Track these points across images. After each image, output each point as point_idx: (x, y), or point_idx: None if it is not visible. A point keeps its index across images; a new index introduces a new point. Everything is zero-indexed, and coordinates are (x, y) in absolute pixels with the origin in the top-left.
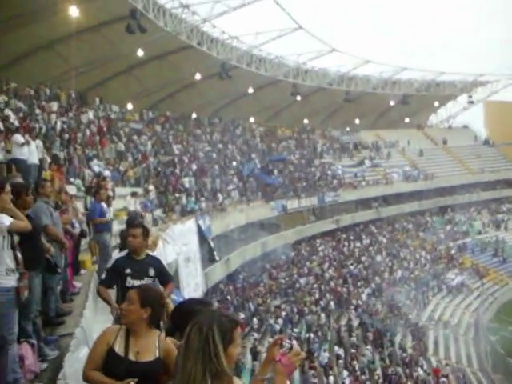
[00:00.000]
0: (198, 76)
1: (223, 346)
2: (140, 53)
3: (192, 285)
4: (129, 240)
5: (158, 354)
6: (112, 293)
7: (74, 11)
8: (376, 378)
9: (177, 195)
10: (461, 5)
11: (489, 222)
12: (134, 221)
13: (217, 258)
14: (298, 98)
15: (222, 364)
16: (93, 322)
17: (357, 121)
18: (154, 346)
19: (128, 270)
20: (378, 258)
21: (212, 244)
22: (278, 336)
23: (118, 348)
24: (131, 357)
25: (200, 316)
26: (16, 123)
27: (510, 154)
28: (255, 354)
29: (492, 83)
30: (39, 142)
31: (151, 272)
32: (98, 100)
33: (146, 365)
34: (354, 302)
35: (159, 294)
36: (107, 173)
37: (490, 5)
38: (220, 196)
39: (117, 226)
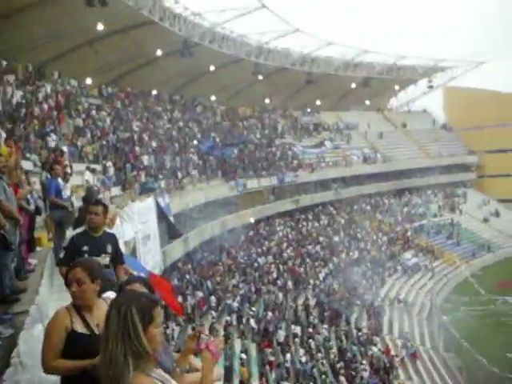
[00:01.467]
0: (159, 52)
1: (143, 326)
2: (100, 27)
3: (150, 263)
4: (91, 217)
5: None
6: None
7: None
8: (332, 356)
9: (135, 173)
10: None
11: (444, 204)
12: (92, 198)
13: (181, 232)
14: (260, 77)
15: (142, 344)
16: (48, 300)
17: (318, 102)
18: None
19: (85, 248)
20: (336, 238)
21: (173, 221)
22: (197, 329)
23: (80, 328)
24: (96, 331)
25: (118, 297)
26: None
27: (468, 139)
28: (213, 333)
29: (452, 69)
30: None
31: (109, 248)
32: (56, 74)
33: None
34: (311, 281)
35: (98, 262)
36: (64, 148)
37: None
38: (179, 174)
39: (75, 203)
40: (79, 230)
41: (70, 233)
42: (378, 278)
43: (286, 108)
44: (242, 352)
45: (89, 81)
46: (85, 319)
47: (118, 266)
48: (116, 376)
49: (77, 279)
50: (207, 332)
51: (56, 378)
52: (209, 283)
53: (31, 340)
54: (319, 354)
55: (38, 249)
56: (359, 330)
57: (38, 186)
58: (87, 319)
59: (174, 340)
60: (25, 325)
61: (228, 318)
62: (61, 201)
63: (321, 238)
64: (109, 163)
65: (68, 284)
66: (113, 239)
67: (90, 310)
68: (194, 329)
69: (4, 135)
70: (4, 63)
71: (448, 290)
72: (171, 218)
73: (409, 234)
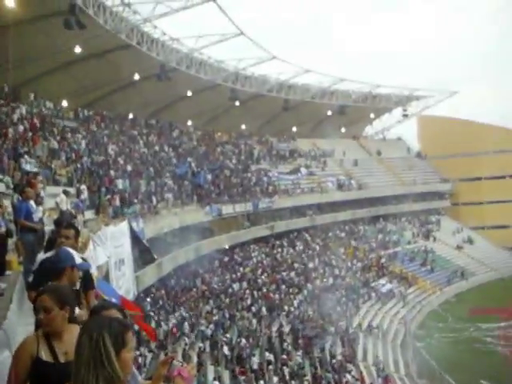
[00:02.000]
0: (136, 76)
1: (115, 351)
2: (78, 49)
3: (124, 287)
4: (61, 241)
5: None
6: None
7: (9, 2)
8: (306, 383)
9: (109, 196)
10: (397, 21)
11: (418, 232)
12: (63, 221)
13: (155, 257)
14: (237, 103)
15: (115, 369)
16: (16, 325)
17: (294, 128)
18: None
19: None
20: (311, 264)
21: (147, 245)
22: (169, 355)
23: (45, 355)
24: (61, 359)
25: (89, 322)
26: None
27: (441, 167)
28: (186, 359)
29: (426, 98)
30: None
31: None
32: (32, 95)
33: None
34: (285, 308)
35: (68, 287)
36: (38, 170)
37: (425, 22)
38: (154, 198)
39: (47, 226)
40: (49, 253)
41: (40, 256)
42: (353, 304)
43: (262, 134)
44: (215, 379)
45: (65, 103)
46: (52, 347)
47: (88, 291)
48: None
49: (44, 307)
50: (180, 358)
51: None
52: (182, 309)
53: None
54: (293, 382)
55: (7, 272)
56: (333, 356)
57: (10, 209)
58: (54, 347)
59: (146, 367)
60: None
61: (201, 345)
62: (31, 223)
63: (296, 265)
64: (83, 186)
65: (36, 311)
66: (84, 264)
67: (59, 337)
68: (166, 355)
69: None
70: None
71: (422, 317)
72: (145, 242)
73: (383, 260)
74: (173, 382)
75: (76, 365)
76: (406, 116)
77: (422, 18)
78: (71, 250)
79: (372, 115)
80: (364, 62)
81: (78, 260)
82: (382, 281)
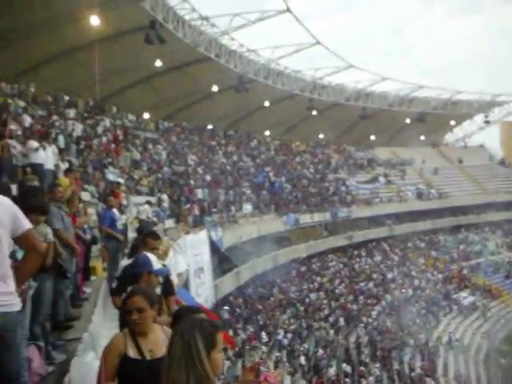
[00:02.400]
0: (214, 88)
1: (206, 352)
2: (158, 63)
3: (203, 296)
4: (153, 252)
5: None
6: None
7: (94, 20)
8: None
9: (189, 206)
10: (479, 26)
11: (502, 242)
12: (144, 229)
13: (235, 263)
14: (314, 112)
15: (205, 369)
16: (101, 328)
17: (372, 137)
18: (161, 339)
19: None
20: (390, 275)
21: (226, 254)
22: (255, 362)
23: (133, 353)
24: (147, 357)
25: (181, 323)
26: (31, 127)
27: None
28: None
29: (509, 104)
30: (55, 148)
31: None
32: (114, 108)
33: (162, 360)
34: (363, 319)
35: (151, 288)
36: (121, 181)
37: (508, 26)
38: (233, 208)
39: (130, 234)
40: (131, 260)
41: (123, 263)
42: (433, 317)
43: (340, 143)
44: None
45: (146, 115)
46: (138, 344)
47: (168, 296)
48: None
49: (138, 307)
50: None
51: None
52: (259, 318)
53: (83, 367)
54: None
55: (92, 278)
56: (412, 370)
57: (95, 217)
58: (140, 344)
59: (224, 374)
60: (77, 351)
61: (278, 354)
62: (114, 231)
63: (374, 275)
64: (164, 196)
65: (128, 312)
66: (165, 271)
67: (145, 335)
68: (243, 363)
69: (63, 166)
70: (66, 98)
71: (506, 332)
72: (224, 252)
73: (465, 272)
74: None
75: (168, 363)
76: (488, 122)
77: (502, 20)
78: (150, 256)
79: (452, 122)
80: (443, 68)
81: (156, 266)
82: (464, 293)
